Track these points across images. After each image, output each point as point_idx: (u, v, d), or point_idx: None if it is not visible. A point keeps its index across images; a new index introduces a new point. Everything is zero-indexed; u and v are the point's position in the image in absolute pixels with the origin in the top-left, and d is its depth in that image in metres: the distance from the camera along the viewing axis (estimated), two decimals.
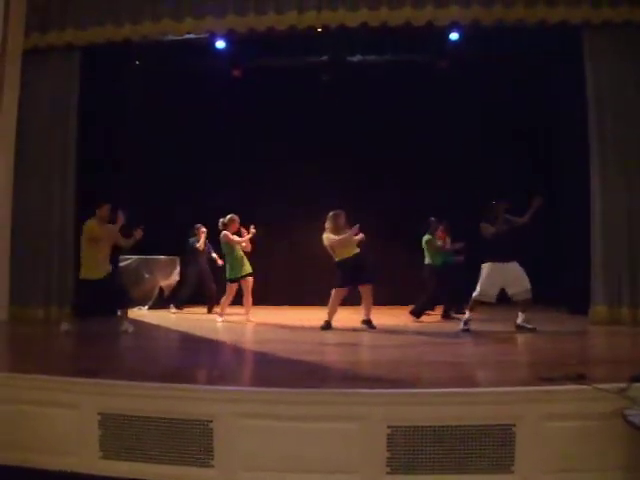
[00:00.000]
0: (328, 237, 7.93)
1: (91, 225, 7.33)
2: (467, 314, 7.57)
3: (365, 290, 7.88)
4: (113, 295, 7.58)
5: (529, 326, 7.34)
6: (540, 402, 3.88)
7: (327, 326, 7.85)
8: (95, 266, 7.30)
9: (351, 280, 7.83)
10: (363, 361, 5.89)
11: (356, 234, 7.83)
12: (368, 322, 7.88)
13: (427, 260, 9.34)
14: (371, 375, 4.76)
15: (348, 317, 8.37)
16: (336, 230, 7.91)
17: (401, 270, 10.28)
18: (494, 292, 7.43)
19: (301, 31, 8.45)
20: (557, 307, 9.58)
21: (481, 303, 7.58)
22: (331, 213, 8.04)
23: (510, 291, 7.40)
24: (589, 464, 3.80)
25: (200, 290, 10.72)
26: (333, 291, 7.93)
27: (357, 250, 7.90)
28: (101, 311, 8.15)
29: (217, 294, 10.29)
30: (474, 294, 7.52)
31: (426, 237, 9.32)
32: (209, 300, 10.56)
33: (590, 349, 6.74)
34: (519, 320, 7.42)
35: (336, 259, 7.93)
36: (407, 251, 9.85)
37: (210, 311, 10.43)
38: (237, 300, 9.09)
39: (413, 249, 9.52)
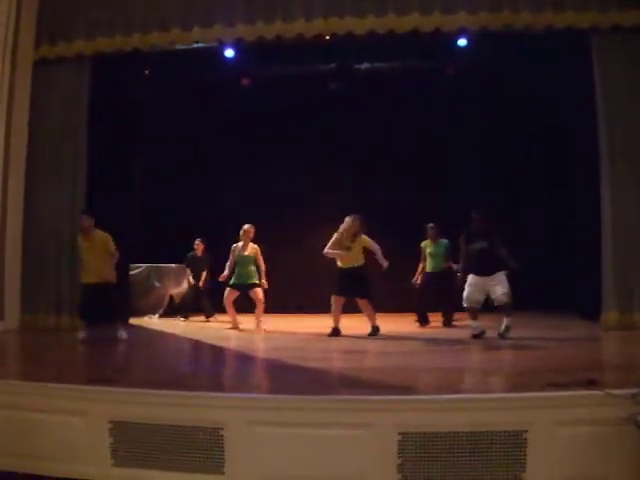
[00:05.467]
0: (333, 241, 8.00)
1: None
2: (473, 323, 7.49)
3: (361, 304, 7.97)
4: (107, 304, 7.66)
5: (508, 335, 7.19)
6: (552, 408, 3.86)
7: (335, 332, 7.92)
8: (86, 270, 7.51)
9: (347, 290, 7.94)
10: (373, 368, 5.86)
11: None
12: (373, 329, 7.93)
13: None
14: (381, 382, 4.75)
15: (357, 325, 8.34)
16: (353, 234, 7.92)
17: (407, 276, 10.17)
18: (479, 297, 7.36)
19: (309, 39, 8.47)
20: (568, 312, 9.50)
21: (476, 310, 7.45)
22: (350, 217, 8.00)
23: (492, 295, 7.32)
24: (601, 470, 3.78)
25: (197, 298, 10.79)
26: (332, 298, 8.03)
27: (358, 263, 7.94)
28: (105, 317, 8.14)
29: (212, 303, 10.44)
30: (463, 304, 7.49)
31: (423, 243, 9.37)
32: (205, 309, 10.61)
33: (602, 355, 6.70)
34: (502, 327, 7.28)
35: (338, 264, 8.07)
36: (413, 257, 9.78)
37: (208, 318, 10.49)
38: (250, 308, 9.13)
39: (418, 255, 9.51)
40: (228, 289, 9.06)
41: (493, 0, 7.92)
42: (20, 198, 8.65)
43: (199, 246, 10.75)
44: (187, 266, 10.81)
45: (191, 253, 10.78)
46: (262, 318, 8.94)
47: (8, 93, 8.37)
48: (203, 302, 10.65)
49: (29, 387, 4.49)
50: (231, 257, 9.11)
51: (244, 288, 9.00)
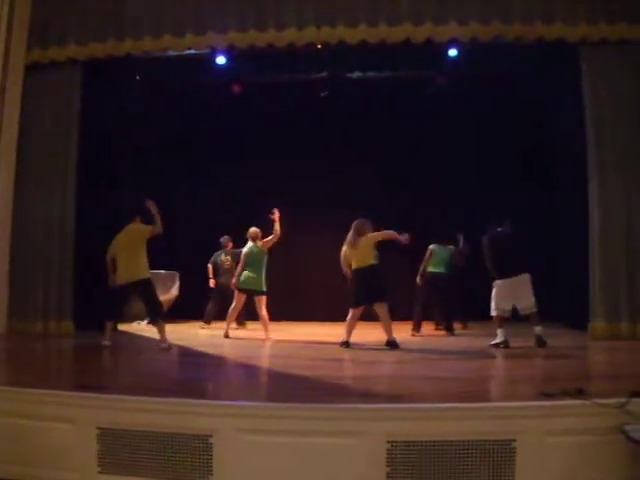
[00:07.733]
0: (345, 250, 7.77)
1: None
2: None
3: (379, 309, 7.51)
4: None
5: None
6: (540, 417, 3.88)
7: (346, 344, 7.52)
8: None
9: (365, 296, 7.50)
10: (363, 376, 5.85)
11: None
12: (391, 342, 7.42)
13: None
14: (371, 390, 4.76)
15: (359, 333, 8.23)
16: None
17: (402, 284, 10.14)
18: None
19: (301, 47, 8.51)
20: (555, 321, 9.52)
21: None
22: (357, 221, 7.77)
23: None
24: (589, 479, 3.79)
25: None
26: (350, 311, 7.62)
27: (373, 262, 7.58)
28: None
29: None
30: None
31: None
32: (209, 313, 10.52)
33: (590, 364, 6.73)
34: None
35: (352, 267, 7.70)
36: (406, 265, 9.79)
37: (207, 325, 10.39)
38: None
39: (412, 263, 9.50)
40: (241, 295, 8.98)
41: (484, 11, 8.01)
42: (9, 202, 8.61)
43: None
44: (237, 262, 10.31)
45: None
46: None
47: None
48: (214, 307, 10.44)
49: (16, 393, 4.44)
50: (245, 261, 8.97)
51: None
